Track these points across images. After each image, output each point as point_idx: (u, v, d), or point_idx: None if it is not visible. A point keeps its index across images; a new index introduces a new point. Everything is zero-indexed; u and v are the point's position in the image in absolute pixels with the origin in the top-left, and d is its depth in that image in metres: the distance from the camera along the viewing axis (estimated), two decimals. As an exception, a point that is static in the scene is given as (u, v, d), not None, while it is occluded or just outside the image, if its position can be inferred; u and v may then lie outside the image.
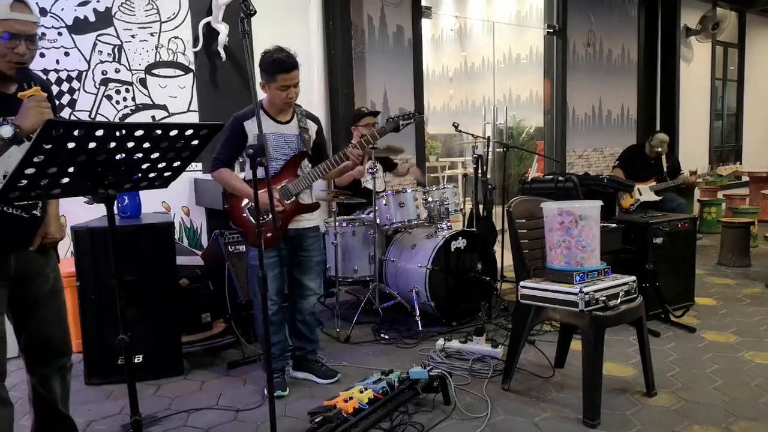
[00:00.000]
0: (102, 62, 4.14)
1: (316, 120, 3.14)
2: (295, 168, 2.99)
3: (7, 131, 1.76)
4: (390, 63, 5.53)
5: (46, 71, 3.94)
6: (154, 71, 4.33)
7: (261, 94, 2.92)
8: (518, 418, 2.65)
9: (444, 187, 4.28)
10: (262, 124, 2.90)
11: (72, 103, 4.06)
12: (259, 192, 2.87)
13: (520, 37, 7.80)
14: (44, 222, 2.12)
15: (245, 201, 2.97)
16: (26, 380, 2.25)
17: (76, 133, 1.51)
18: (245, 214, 2.98)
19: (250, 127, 2.89)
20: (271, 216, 2.68)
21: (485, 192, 4.34)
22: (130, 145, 1.64)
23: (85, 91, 4.10)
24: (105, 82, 4.16)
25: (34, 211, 2.06)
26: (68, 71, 4.03)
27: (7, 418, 2.04)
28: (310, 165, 3.07)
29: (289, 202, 2.94)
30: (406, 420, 2.59)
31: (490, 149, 4.64)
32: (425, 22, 5.94)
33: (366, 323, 4.00)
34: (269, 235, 2.83)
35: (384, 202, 4.03)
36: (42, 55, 3.92)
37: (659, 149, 5.81)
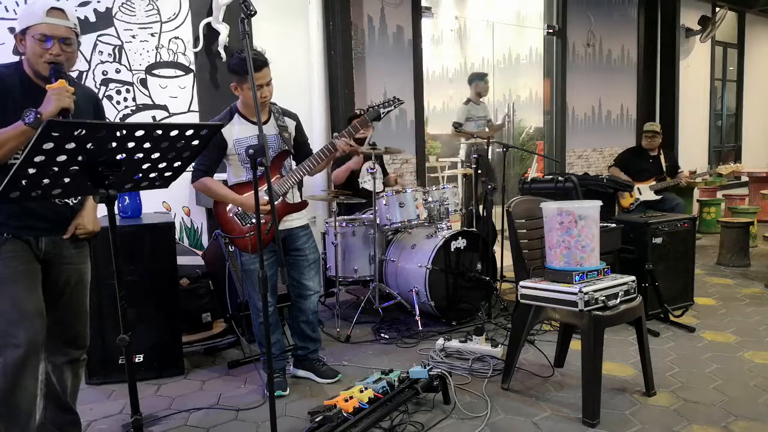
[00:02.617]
0: (102, 62, 4.15)
1: (293, 116, 3.08)
2: (278, 168, 2.95)
3: (29, 117, 1.89)
4: (390, 63, 5.54)
5: (46, 71, 3.94)
6: (154, 71, 4.33)
7: (271, 93, 2.90)
8: (518, 417, 2.65)
9: (444, 187, 4.29)
10: (238, 128, 2.91)
11: (72, 104, 4.06)
12: (247, 194, 2.88)
13: (520, 37, 7.79)
14: (79, 213, 2.22)
15: (230, 206, 2.94)
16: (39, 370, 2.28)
17: (76, 133, 1.52)
18: (230, 215, 2.94)
19: (229, 132, 2.86)
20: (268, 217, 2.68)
21: (485, 192, 4.34)
22: (131, 145, 1.65)
23: (86, 92, 4.10)
24: (105, 82, 4.16)
25: (67, 200, 2.15)
26: (69, 71, 4.03)
27: (34, 393, 2.10)
28: (293, 163, 3.04)
29: (276, 202, 2.91)
30: (405, 419, 2.59)
31: (490, 149, 4.65)
32: (425, 22, 5.95)
33: (366, 323, 4.01)
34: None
35: (384, 202, 4.03)
36: (42, 56, 3.93)
37: (655, 133, 5.83)
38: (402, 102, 3.23)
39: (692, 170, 7.66)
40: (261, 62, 2.75)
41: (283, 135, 2.94)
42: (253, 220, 2.86)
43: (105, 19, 4.13)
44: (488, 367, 3.15)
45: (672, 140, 8.02)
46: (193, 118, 4.45)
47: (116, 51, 4.19)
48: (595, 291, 2.55)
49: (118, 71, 4.20)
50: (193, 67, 4.47)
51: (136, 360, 3.16)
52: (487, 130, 5.80)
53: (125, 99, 4.24)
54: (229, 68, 2.85)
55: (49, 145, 1.49)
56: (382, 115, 3.14)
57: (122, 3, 4.17)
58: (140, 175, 1.82)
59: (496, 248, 4.55)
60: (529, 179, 5.03)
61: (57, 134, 1.48)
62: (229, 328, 3.75)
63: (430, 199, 4.11)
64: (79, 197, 2.20)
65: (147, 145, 1.68)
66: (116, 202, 1.83)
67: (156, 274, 3.22)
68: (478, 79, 5.90)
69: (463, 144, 5.85)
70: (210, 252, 4.01)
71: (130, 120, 4.19)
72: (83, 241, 2.27)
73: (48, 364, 2.25)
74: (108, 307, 3.11)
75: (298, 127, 3.09)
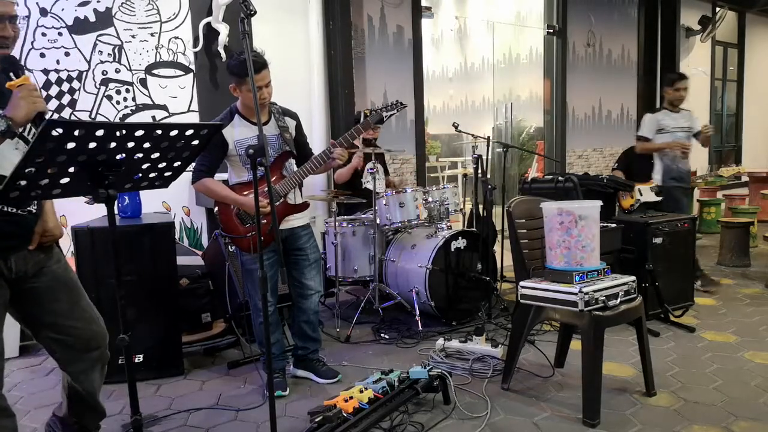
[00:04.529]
0: (102, 62, 4.15)
1: (293, 116, 3.06)
2: (279, 169, 2.94)
3: (2, 126, 1.69)
4: (390, 63, 5.54)
5: (46, 71, 3.95)
6: (154, 71, 4.33)
7: (270, 95, 2.90)
8: (518, 417, 2.65)
9: (444, 187, 4.29)
10: (239, 130, 2.90)
11: (72, 103, 4.06)
12: (249, 195, 2.88)
13: (520, 37, 7.80)
14: (41, 219, 2.03)
15: (231, 207, 2.93)
16: (60, 375, 2.22)
17: (76, 133, 1.52)
18: (233, 220, 2.93)
19: (230, 133, 2.85)
20: (265, 218, 2.68)
21: (485, 192, 4.34)
22: (131, 145, 1.65)
23: (86, 91, 4.11)
24: (105, 82, 4.17)
25: (30, 208, 1.98)
26: (68, 71, 4.04)
27: (10, 428, 1.98)
28: (295, 164, 3.04)
29: (277, 203, 2.90)
30: (406, 419, 2.59)
31: (490, 149, 4.64)
32: (425, 22, 5.95)
33: (366, 323, 4.01)
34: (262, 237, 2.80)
35: (384, 202, 4.03)
36: (42, 56, 3.93)
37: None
38: (405, 106, 3.23)
39: (692, 171, 7.65)
40: (260, 64, 2.74)
41: (284, 135, 2.93)
42: (254, 220, 2.86)
43: (105, 19, 4.13)
44: (488, 367, 3.15)
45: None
46: (193, 118, 4.45)
47: (116, 51, 4.19)
48: (595, 291, 2.55)
49: (117, 71, 4.20)
50: (192, 67, 4.47)
51: (136, 360, 3.16)
52: (693, 142, 4.88)
53: (125, 99, 4.24)
54: (228, 70, 2.85)
55: (49, 145, 1.49)
56: (384, 119, 3.15)
57: (122, 3, 4.17)
58: (140, 175, 1.82)
59: (496, 248, 4.55)
60: (529, 179, 5.03)
61: (57, 134, 1.48)
62: (229, 328, 3.75)
63: (430, 199, 4.11)
64: (37, 202, 2.01)
65: (147, 145, 1.68)
66: (116, 202, 1.81)
67: (156, 274, 3.22)
68: (667, 85, 4.94)
69: (656, 160, 5.02)
70: (210, 252, 4.01)
71: (129, 120, 4.19)
72: (48, 247, 2.08)
73: (67, 373, 2.15)
74: (108, 307, 3.09)
75: (298, 127, 3.08)
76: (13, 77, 1.77)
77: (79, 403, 2.23)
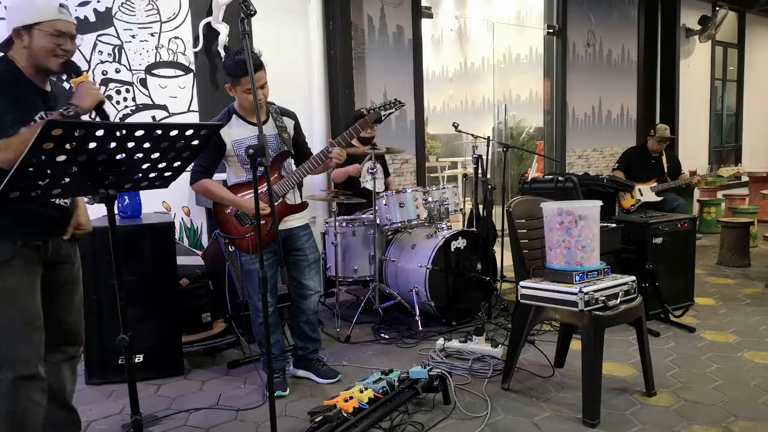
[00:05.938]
0: (102, 62, 4.15)
1: (292, 115, 3.06)
2: (278, 169, 2.94)
3: (72, 112, 1.95)
4: (390, 63, 5.53)
5: (46, 71, 3.95)
6: (154, 71, 4.33)
7: (266, 96, 2.89)
8: (518, 417, 2.65)
9: (444, 187, 4.29)
10: (236, 130, 2.90)
11: (72, 104, 4.06)
12: (247, 196, 2.87)
13: (520, 37, 7.80)
14: (76, 213, 2.23)
15: (230, 208, 2.92)
16: None
17: (76, 133, 1.52)
18: (230, 216, 2.93)
19: (227, 134, 2.85)
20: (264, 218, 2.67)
21: (485, 192, 4.34)
22: (131, 145, 1.65)
23: (86, 92, 4.10)
24: (105, 82, 4.16)
25: (65, 201, 2.16)
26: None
27: (40, 402, 2.07)
28: (293, 164, 3.03)
29: (276, 203, 2.89)
30: (406, 419, 2.59)
31: (490, 149, 4.64)
32: (425, 22, 5.94)
33: (366, 323, 4.01)
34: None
35: (384, 202, 4.03)
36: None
37: (665, 138, 5.78)
38: (403, 104, 3.22)
39: (692, 171, 7.66)
40: (256, 65, 2.72)
41: (282, 135, 2.93)
42: (253, 221, 2.85)
43: (105, 18, 4.13)
44: (488, 367, 3.15)
45: (672, 140, 8.01)
46: (193, 118, 4.45)
47: (116, 51, 4.18)
48: (595, 291, 2.55)
49: (117, 71, 4.20)
50: (192, 66, 4.47)
51: (136, 360, 3.15)
52: None
53: (125, 99, 4.23)
54: (225, 70, 2.85)
55: (49, 145, 1.49)
56: (383, 118, 3.14)
57: (122, 3, 4.17)
58: (140, 175, 1.82)
59: (496, 248, 4.55)
60: (529, 179, 5.03)
61: (57, 134, 1.48)
62: (229, 328, 3.75)
63: (430, 199, 4.11)
64: (71, 198, 2.19)
65: (147, 145, 1.69)
66: (116, 202, 1.82)
67: (156, 274, 3.22)
68: None
69: None
70: (210, 252, 4.01)
71: (129, 120, 4.19)
72: (74, 239, 2.27)
73: (45, 367, 2.21)
74: (108, 307, 3.11)
75: (297, 126, 3.08)
76: (74, 76, 2.04)
77: (56, 403, 2.25)
